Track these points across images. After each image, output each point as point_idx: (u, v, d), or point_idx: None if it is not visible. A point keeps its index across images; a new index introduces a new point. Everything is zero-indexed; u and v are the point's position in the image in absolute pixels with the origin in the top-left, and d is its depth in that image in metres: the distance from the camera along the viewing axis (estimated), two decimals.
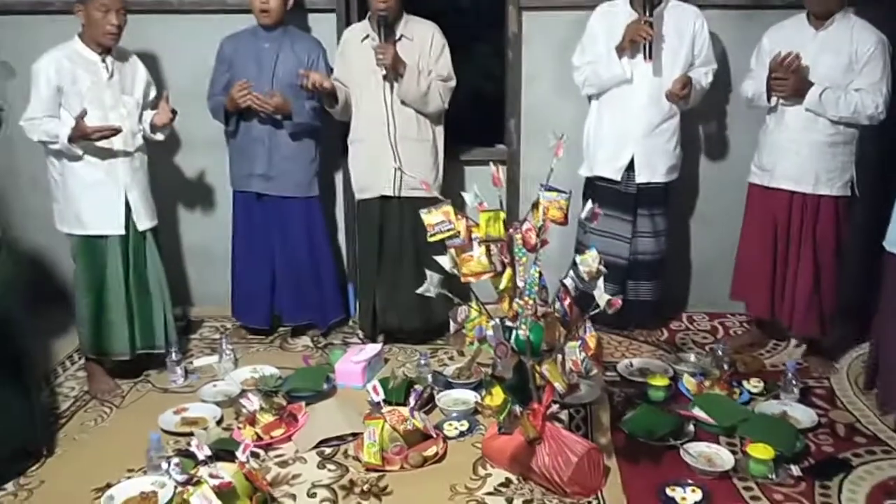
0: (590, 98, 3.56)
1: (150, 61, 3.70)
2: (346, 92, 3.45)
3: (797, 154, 3.18)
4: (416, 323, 3.58)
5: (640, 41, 3.22)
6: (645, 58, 3.25)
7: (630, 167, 3.43)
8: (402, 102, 3.37)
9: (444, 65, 3.41)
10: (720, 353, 3.28)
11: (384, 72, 3.31)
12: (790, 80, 3.10)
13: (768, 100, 3.22)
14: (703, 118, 3.77)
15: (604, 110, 3.46)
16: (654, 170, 3.44)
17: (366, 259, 3.63)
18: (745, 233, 3.45)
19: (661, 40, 3.30)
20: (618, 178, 3.45)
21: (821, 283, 3.26)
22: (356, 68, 3.41)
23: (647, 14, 3.22)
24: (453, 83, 3.44)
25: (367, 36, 3.40)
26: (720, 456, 2.70)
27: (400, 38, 3.36)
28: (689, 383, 3.13)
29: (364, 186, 3.51)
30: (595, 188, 3.50)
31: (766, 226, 3.32)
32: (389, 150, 3.38)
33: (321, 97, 3.43)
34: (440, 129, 3.52)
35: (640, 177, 3.43)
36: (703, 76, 3.39)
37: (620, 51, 3.30)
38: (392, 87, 3.36)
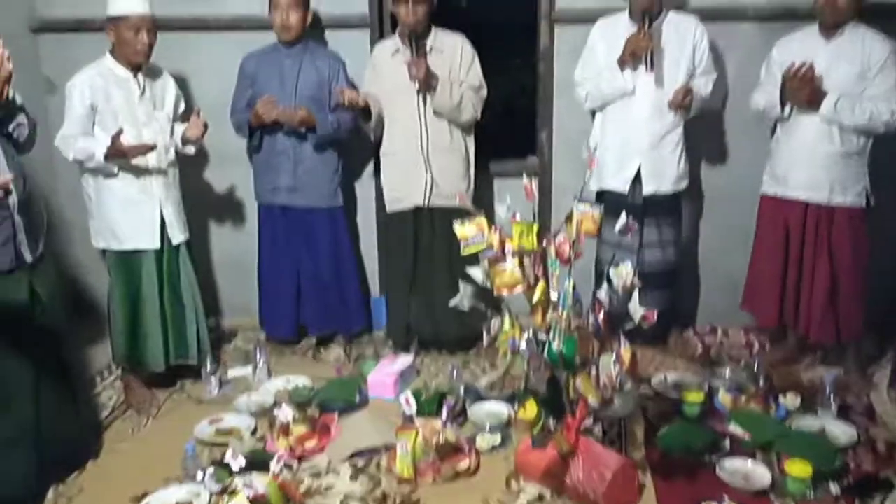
0: (592, 113, 3.58)
1: (182, 77, 3.75)
2: (378, 107, 3.49)
3: (810, 164, 3.18)
4: (451, 332, 3.58)
5: (640, 53, 3.24)
6: (646, 69, 3.27)
7: (637, 178, 3.43)
8: (436, 114, 3.40)
9: (474, 75, 3.44)
10: (756, 367, 3.23)
11: (417, 85, 3.34)
12: (804, 90, 3.11)
13: (782, 110, 3.21)
14: (737, 130, 3.74)
15: (608, 123, 3.47)
16: (661, 180, 3.44)
17: (397, 270, 3.64)
18: (758, 243, 3.46)
19: (662, 51, 3.31)
20: (626, 189, 3.44)
21: (838, 291, 3.25)
22: (388, 82, 3.45)
23: (647, 26, 3.24)
24: (485, 93, 3.47)
25: (398, 50, 3.44)
26: (757, 473, 2.66)
27: (430, 51, 3.40)
28: (724, 398, 3.09)
29: (397, 198, 3.53)
30: (604, 201, 3.49)
31: (778, 236, 3.32)
32: (422, 161, 3.41)
33: (358, 113, 3.47)
34: (471, 139, 3.55)
35: (648, 187, 3.43)
36: (703, 85, 3.38)
37: (622, 63, 3.32)
38: (425, 100, 3.39)
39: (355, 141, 3.75)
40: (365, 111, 3.45)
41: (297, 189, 3.58)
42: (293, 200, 3.60)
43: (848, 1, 3.08)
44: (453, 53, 3.42)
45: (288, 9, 3.44)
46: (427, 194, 3.44)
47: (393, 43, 3.48)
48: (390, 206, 3.59)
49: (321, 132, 3.49)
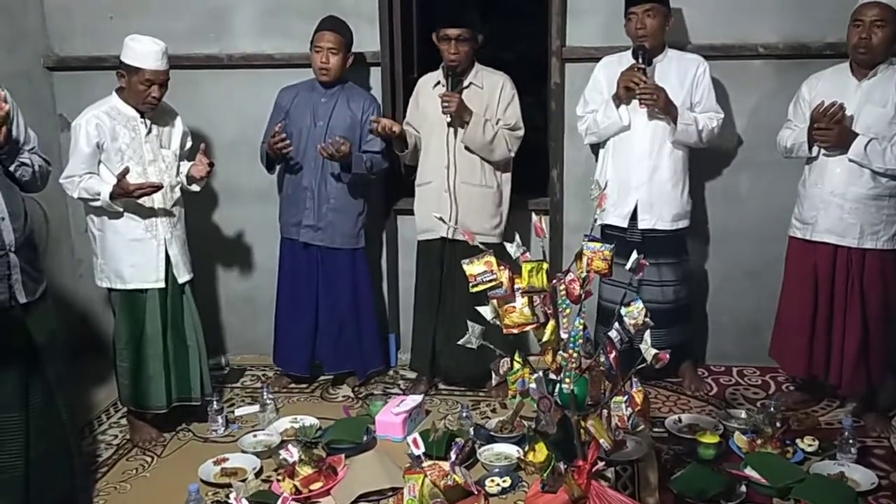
0: (595, 149, 3.61)
1: (199, 113, 3.78)
2: (416, 136, 3.53)
3: (840, 207, 3.10)
4: (473, 366, 3.53)
5: (633, 87, 3.25)
6: (640, 103, 3.29)
7: (635, 214, 3.42)
8: (467, 149, 3.42)
9: (512, 114, 3.46)
10: (772, 409, 3.16)
11: (449, 119, 3.36)
12: (834, 131, 3.04)
13: (810, 150, 3.16)
14: (750, 169, 3.71)
15: (608, 158, 3.49)
16: (659, 216, 3.41)
17: (424, 300, 3.64)
18: (786, 288, 3.36)
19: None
20: (624, 224, 3.43)
21: (869, 339, 3.15)
22: (427, 114, 3.50)
23: (641, 62, 3.26)
24: (521, 132, 3.49)
25: (439, 83, 3.48)
26: None
27: (468, 86, 3.43)
28: (740, 441, 3.02)
29: (426, 227, 3.54)
30: (604, 237, 3.47)
31: (806, 281, 3.22)
32: (448, 194, 3.42)
33: (391, 141, 3.49)
34: (507, 177, 3.55)
35: (644, 223, 3.41)
36: (708, 120, 3.37)
37: (617, 98, 3.34)
38: (455, 133, 3.41)
39: (383, 181, 3.76)
40: (400, 140, 3.47)
41: (320, 229, 3.57)
42: (314, 239, 3.59)
43: (882, 40, 2.99)
44: (493, 91, 3.45)
45: (328, 52, 3.45)
46: (450, 228, 3.42)
47: (436, 76, 3.53)
48: (420, 236, 3.61)
49: (355, 170, 3.48)
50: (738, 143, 3.70)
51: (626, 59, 3.40)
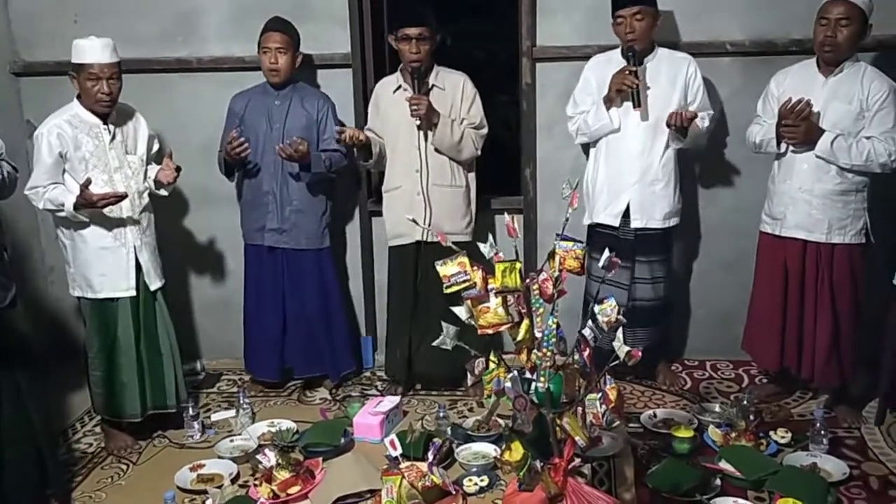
0: (586, 148, 3.61)
1: (169, 117, 3.76)
2: (380, 143, 3.51)
3: (808, 203, 3.14)
4: (446, 368, 3.54)
5: (626, 90, 3.26)
6: (634, 105, 3.29)
7: (627, 213, 3.44)
8: (436, 150, 3.42)
9: (475, 113, 3.47)
10: (746, 402, 3.20)
11: (418, 122, 3.35)
12: (801, 127, 3.08)
13: (778, 146, 3.19)
14: (721, 163, 3.75)
15: (600, 158, 3.49)
16: (651, 216, 3.43)
17: (398, 305, 3.63)
18: (757, 282, 3.41)
19: (652, 88, 3.34)
20: (616, 224, 3.45)
21: (840, 332, 3.20)
22: (390, 119, 3.48)
23: (632, 64, 3.26)
24: (485, 130, 3.50)
25: (400, 87, 3.47)
26: None
27: (432, 88, 3.43)
28: (714, 434, 3.06)
29: (399, 233, 3.53)
30: (595, 235, 3.49)
31: (776, 275, 3.27)
32: (422, 196, 3.41)
33: (356, 150, 3.47)
34: (472, 176, 3.56)
35: (636, 222, 3.43)
36: (700, 119, 3.38)
37: (608, 101, 3.34)
38: (425, 136, 3.41)
39: (345, 181, 3.74)
40: (365, 148, 3.45)
41: (284, 231, 3.55)
42: (279, 242, 3.57)
43: (847, 38, 3.02)
44: (455, 91, 3.45)
45: (276, 52, 3.44)
46: (425, 230, 3.42)
47: (395, 79, 3.51)
48: (392, 241, 3.59)
49: (315, 169, 3.46)
50: (710, 138, 3.73)
51: (615, 58, 3.40)
